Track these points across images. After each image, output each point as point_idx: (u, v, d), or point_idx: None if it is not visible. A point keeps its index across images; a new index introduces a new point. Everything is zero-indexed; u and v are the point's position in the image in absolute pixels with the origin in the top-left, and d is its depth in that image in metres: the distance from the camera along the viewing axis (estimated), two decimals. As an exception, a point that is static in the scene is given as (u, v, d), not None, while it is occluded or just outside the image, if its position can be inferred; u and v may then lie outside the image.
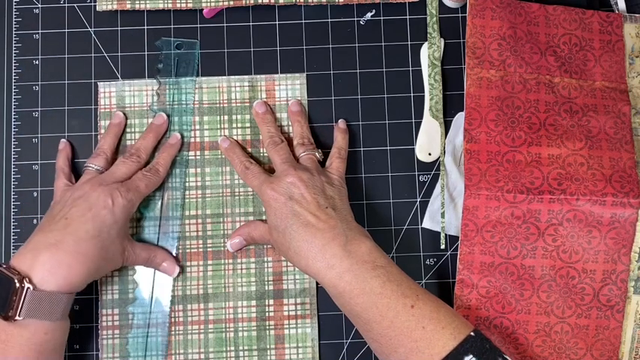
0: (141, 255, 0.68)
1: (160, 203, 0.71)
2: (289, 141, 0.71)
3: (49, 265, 0.59)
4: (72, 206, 0.63)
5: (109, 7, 0.73)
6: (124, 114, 0.72)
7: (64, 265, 0.60)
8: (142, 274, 0.71)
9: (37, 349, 0.59)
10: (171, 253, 0.71)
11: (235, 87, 0.73)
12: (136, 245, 0.68)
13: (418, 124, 0.74)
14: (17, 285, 0.58)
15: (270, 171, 0.70)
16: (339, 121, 0.73)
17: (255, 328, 0.71)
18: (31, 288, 0.58)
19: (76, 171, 0.72)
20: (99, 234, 0.63)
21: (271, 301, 0.71)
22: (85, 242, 0.61)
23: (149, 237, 0.71)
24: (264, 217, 0.71)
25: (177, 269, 0.70)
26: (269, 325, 0.71)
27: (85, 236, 0.62)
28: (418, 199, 0.73)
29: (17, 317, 0.58)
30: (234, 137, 0.73)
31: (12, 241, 0.71)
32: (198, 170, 0.72)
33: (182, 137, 0.72)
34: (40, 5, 0.74)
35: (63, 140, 0.72)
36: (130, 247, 0.67)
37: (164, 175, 0.70)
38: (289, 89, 0.74)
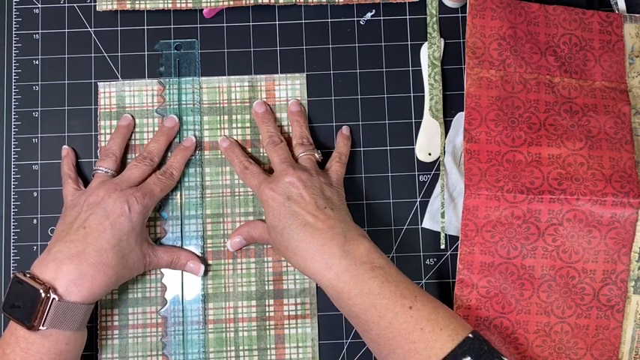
0: (163, 258, 0.68)
1: (178, 204, 0.71)
2: (289, 141, 0.71)
3: (73, 277, 0.60)
4: (89, 213, 0.63)
5: (109, 7, 0.73)
6: (132, 116, 0.72)
7: (88, 276, 0.60)
8: (169, 277, 0.71)
9: (57, 358, 0.60)
10: (195, 253, 0.71)
11: (235, 87, 0.73)
12: (157, 249, 0.68)
13: (418, 124, 0.74)
14: (43, 295, 0.58)
15: (269, 171, 0.70)
16: (343, 127, 0.73)
17: (255, 328, 0.71)
18: (57, 299, 0.58)
19: (79, 172, 0.72)
20: (118, 242, 0.63)
21: (271, 301, 0.71)
22: (107, 252, 0.62)
23: (173, 239, 0.71)
24: (264, 217, 0.71)
25: (202, 268, 0.70)
26: (269, 325, 0.71)
27: (106, 246, 0.62)
28: (418, 199, 0.73)
29: (41, 327, 0.58)
30: (234, 137, 0.73)
31: (12, 241, 0.71)
32: (198, 170, 0.72)
33: (195, 138, 0.72)
34: (40, 5, 0.74)
35: (65, 147, 0.72)
36: (151, 252, 0.67)
37: (178, 178, 0.70)
38: (289, 89, 0.74)
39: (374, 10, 0.75)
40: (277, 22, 0.75)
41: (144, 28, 0.74)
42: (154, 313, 0.70)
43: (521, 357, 0.69)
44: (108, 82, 0.73)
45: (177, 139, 0.72)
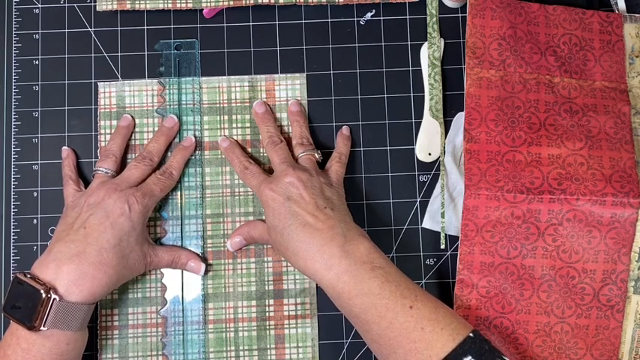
0: (164, 258, 0.68)
1: (178, 204, 0.71)
2: (289, 141, 0.71)
3: (73, 277, 0.60)
4: (89, 213, 0.63)
5: (109, 7, 0.73)
6: (132, 116, 0.72)
7: (89, 276, 0.60)
8: (170, 277, 0.71)
9: (58, 359, 0.60)
10: (196, 253, 0.71)
11: (235, 87, 0.73)
12: (158, 248, 0.68)
13: (418, 124, 0.74)
14: (43, 296, 0.58)
15: (269, 171, 0.70)
16: (343, 127, 0.73)
17: (255, 328, 0.71)
18: (57, 299, 0.58)
19: (78, 173, 0.72)
20: (119, 242, 0.63)
21: (271, 301, 0.71)
22: (107, 252, 0.62)
23: (173, 239, 0.71)
24: (264, 217, 0.71)
25: (203, 267, 0.70)
26: (269, 325, 0.71)
27: (106, 246, 0.62)
28: (418, 199, 0.73)
29: (42, 328, 0.58)
30: (234, 137, 0.73)
31: (12, 241, 0.71)
32: (198, 170, 0.72)
33: (195, 138, 0.72)
34: (40, 5, 0.74)
35: (65, 148, 0.72)
36: (152, 251, 0.67)
37: (177, 178, 0.70)
38: (289, 89, 0.74)
39: (374, 10, 0.75)
40: (277, 22, 0.75)
41: (144, 28, 0.74)
42: (154, 313, 0.70)
43: (521, 357, 0.69)
44: (108, 82, 0.73)
45: (177, 139, 0.72)
